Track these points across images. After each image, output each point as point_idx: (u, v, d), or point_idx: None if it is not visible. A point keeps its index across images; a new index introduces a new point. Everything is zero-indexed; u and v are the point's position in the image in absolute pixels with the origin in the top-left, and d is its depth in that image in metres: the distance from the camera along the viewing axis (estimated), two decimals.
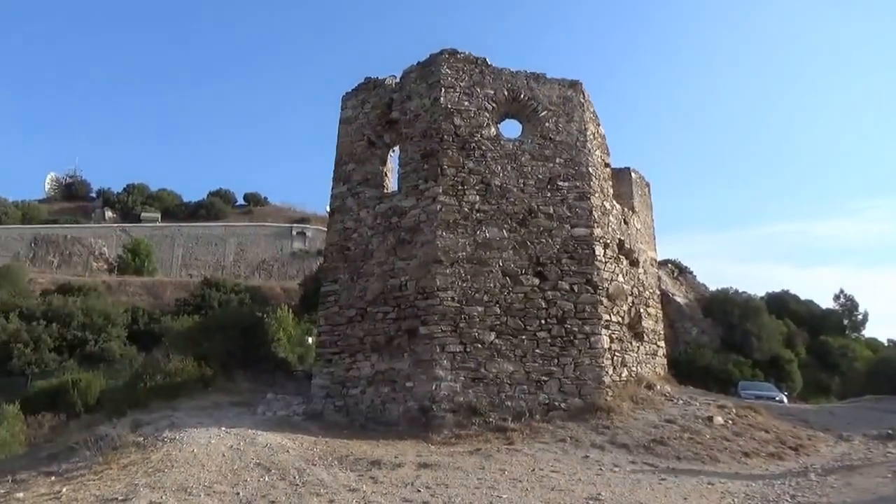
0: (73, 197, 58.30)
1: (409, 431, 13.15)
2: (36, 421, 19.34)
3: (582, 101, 17.12)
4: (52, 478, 10.78)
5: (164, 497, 8.72)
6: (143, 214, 51.87)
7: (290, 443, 11.87)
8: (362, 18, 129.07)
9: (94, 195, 58.52)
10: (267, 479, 9.74)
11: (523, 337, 14.39)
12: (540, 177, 15.96)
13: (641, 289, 17.55)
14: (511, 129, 17.20)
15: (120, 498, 8.72)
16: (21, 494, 9.92)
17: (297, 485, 9.40)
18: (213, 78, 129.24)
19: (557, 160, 16.24)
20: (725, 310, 30.66)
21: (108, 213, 52.98)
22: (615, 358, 15.13)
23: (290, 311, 23.64)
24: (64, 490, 9.66)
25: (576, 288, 15.09)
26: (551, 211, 15.69)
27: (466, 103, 16.22)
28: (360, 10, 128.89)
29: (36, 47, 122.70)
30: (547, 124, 16.55)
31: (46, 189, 59.06)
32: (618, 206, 17.58)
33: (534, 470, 10.35)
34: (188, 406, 15.06)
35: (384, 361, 14.66)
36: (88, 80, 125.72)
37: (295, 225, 48.80)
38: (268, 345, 20.68)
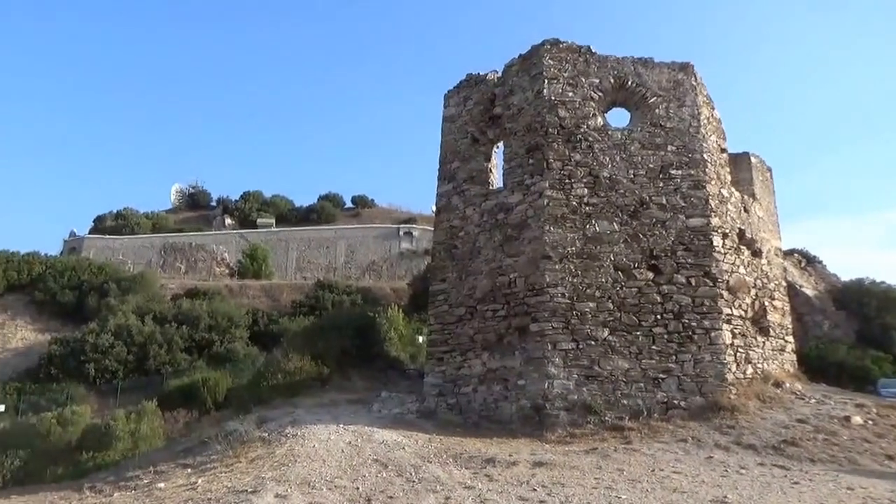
0: (196, 206, 61.81)
1: (522, 430, 13.09)
2: (172, 416, 20.67)
3: (694, 84, 16.45)
4: (189, 470, 11.52)
5: (289, 490, 9.11)
6: (259, 220, 54.25)
7: (405, 440, 12.10)
8: (461, 14, 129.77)
9: (214, 204, 61.80)
10: (384, 474, 9.97)
11: (638, 333, 13.99)
12: (651, 166, 15.46)
13: (765, 280, 16.65)
14: (619, 117, 16.79)
15: (249, 490, 9.18)
16: (162, 485, 10.66)
17: (414, 481, 9.56)
18: (318, 83, 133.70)
19: (669, 148, 15.69)
20: (861, 301, 28.60)
21: (228, 221, 55.83)
22: (738, 354, 14.42)
23: (401, 310, 24.05)
24: (199, 481, 10.29)
25: (693, 281, 14.52)
26: (664, 201, 15.17)
27: (571, 94, 15.96)
28: (458, 5, 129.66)
29: (153, 60, 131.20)
30: (657, 111, 16.02)
31: (172, 200, 62.95)
32: (736, 193, 16.77)
33: (654, 470, 10.05)
34: (307, 403, 15.68)
35: (495, 359, 14.65)
36: (204, 92, 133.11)
37: (402, 226, 49.69)
38: (380, 344, 21.17)
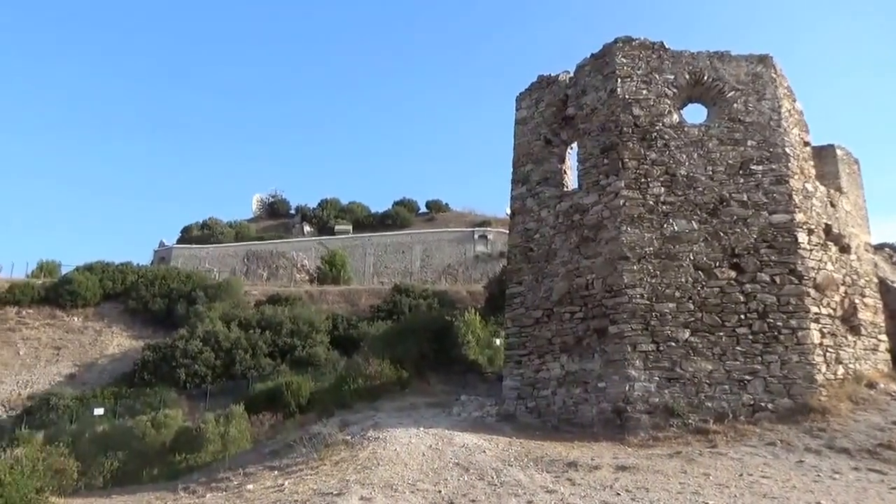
0: (276, 215, 63.68)
1: (603, 433, 12.97)
2: (258, 419, 21.41)
3: (773, 76, 15.92)
4: (275, 472, 11.96)
5: (372, 493, 9.34)
6: (336, 227, 55.45)
7: (485, 443, 12.19)
8: (531, 15, 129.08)
9: (293, 212, 63.54)
10: (466, 478, 10.08)
11: (721, 334, 13.64)
12: (730, 162, 15.06)
13: (855, 277, 15.93)
14: (695, 114, 16.43)
15: (334, 492, 9.46)
16: (251, 486, 11.10)
17: (496, 485, 9.63)
18: (390, 90, 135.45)
19: (749, 143, 15.24)
20: None
21: (307, 228, 57.33)
22: (828, 354, 13.85)
23: (477, 313, 24.12)
24: (286, 483, 10.67)
25: (778, 279, 14.05)
26: (745, 198, 14.74)
27: (645, 92, 15.72)
28: (527, 7, 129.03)
29: (235, 76, 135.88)
30: (735, 105, 15.59)
31: (253, 209, 65.09)
32: (822, 187, 16.12)
33: (741, 475, 9.80)
34: (388, 407, 15.97)
35: (574, 362, 14.57)
36: (280, 102, 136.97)
37: (476, 229, 49.84)
38: (458, 347, 21.32)
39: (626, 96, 15.62)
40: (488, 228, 49.74)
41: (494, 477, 10.06)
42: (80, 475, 15.02)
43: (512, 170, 17.94)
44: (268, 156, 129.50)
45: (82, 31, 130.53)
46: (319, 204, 61.08)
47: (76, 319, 35.66)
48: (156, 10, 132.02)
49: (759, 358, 13.39)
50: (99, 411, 24.74)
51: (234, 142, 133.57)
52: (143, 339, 33.50)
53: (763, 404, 12.97)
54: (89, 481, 16.85)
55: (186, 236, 56.48)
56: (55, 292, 36.22)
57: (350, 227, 55.50)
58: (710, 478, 9.65)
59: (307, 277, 47.11)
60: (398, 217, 57.42)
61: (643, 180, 14.92)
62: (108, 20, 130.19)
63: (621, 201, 14.74)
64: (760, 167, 14.97)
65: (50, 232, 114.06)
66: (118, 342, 34.47)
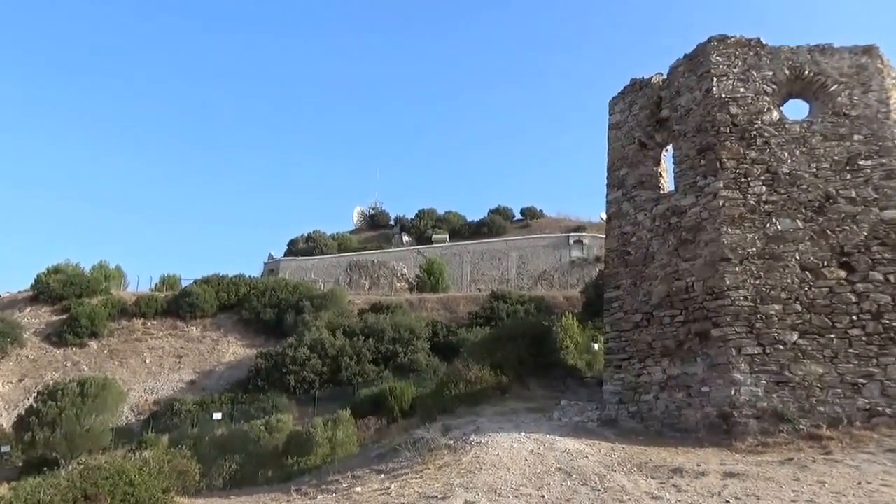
0: (376, 226, 65.10)
1: (708, 438, 12.56)
2: (364, 424, 21.98)
3: (879, 67, 15.05)
4: (382, 475, 12.26)
5: (476, 497, 9.43)
6: (434, 236, 56.10)
7: (587, 448, 12.06)
8: (622, 19, 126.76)
9: (392, 223, 64.81)
10: (568, 483, 10.01)
11: (832, 336, 12.96)
12: (836, 158, 14.33)
13: None
14: (796, 110, 15.72)
15: (439, 496, 9.62)
16: (359, 489, 11.44)
17: (599, 490, 9.52)
18: (485, 98, 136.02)
19: (856, 137, 14.44)
20: None
21: (405, 238, 58.32)
22: None
23: (575, 318, 23.90)
24: (392, 487, 10.93)
25: (892, 278, 13.23)
26: (853, 194, 13.98)
27: (742, 89, 15.20)
28: (617, 10, 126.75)
29: (337, 87, 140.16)
30: (839, 99, 14.82)
31: (355, 221, 66.81)
32: None
33: (860, 483, 9.26)
34: (489, 412, 16.05)
35: (675, 366, 14.22)
36: (374, 115, 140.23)
37: (571, 234, 49.25)
38: (557, 352, 21.20)
39: (723, 95, 15.17)
40: (583, 233, 49.06)
41: (598, 482, 9.94)
42: (202, 477, 15.84)
43: (607, 174, 17.73)
44: (368, 169, 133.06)
45: (172, 32, 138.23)
46: (417, 214, 62.01)
47: (195, 329, 37.67)
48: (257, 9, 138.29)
49: (875, 360, 12.65)
50: (217, 416, 26.00)
51: (336, 155, 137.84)
52: (256, 348, 34.99)
53: (881, 409, 12.22)
54: (210, 482, 17.74)
55: (293, 249, 58.59)
56: (176, 304, 38.37)
57: (447, 236, 56.06)
58: (826, 486, 9.18)
59: (407, 286, 47.91)
60: (494, 225, 57.46)
61: (743, 180, 14.44)
62: (203, 17, 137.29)
63: (720, 202, 14.30)
64: (869, 162, 14.18)
65: (171, 247, 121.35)
66: (233, 350, 36.14)
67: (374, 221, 65.89)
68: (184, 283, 43.90)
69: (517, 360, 19.50)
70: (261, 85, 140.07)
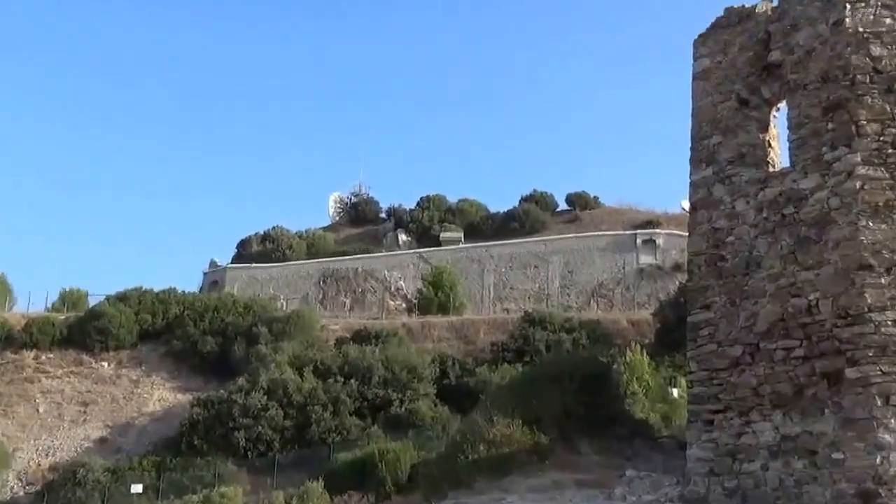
0: (361, 220, 64.90)
1: None
2: (342, 501, 21.68)
3: None
4: None
5: None
6: (442, 235, 55.81)
7: None
8: None
9: (384, 215, 64.59)
10: None
11: None
12: None
13: None
14: None
15: None
16: None
17: None
18: (507, 51, 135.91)
19: None
20: None
21: (402, 237, 58.11)
22: None
23: (644, 352, 23.63)
24: None
25: None
26: None
27: (889, 20, 14.89)
28: None
29: (299, 44, 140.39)
30: None
31: (331, 213, 66.61)
32: None
33: None
34: (522, 486, 15.80)
35: (793, 421, 13.90)
36: (361, 79, 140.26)
37: (639, 231, 48.97)
38: (618, 401, 20.95)
39: (861, 29, 14.84)
40: (656, 230, 48.80)
41: None
42: None
43: (690, 145, 17.45)
44: (349, 143, 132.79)
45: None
46: (419, 204, 61.78)
47: (107, 366, 37.56)
48: None
49: None
50: (137, 488, 25.81)
51: (306, 127, 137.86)
52: (192, 392, 34.82)
53: None
54: None
55: (244, 253, 58.56)
56: (81, 330, 38.26)
57: (461, 235, 55.83)
58: None
59: (404, 305, 47.78)
60: (528, 218, 57.19)
61: (891, 152, 14.11)
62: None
63: (857, 183, 13.97)
64: None
65: (75, 253, 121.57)
66: (160, 396, 36.00)
67: (358, 214, 65.80)
68: (92, 302, 43.92)
69: (562, 411, 19.27)
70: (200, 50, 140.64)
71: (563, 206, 60.81)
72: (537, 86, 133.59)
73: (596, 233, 51.13)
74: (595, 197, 60.49)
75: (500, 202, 70.55)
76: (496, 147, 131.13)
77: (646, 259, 47.00)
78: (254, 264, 53.96)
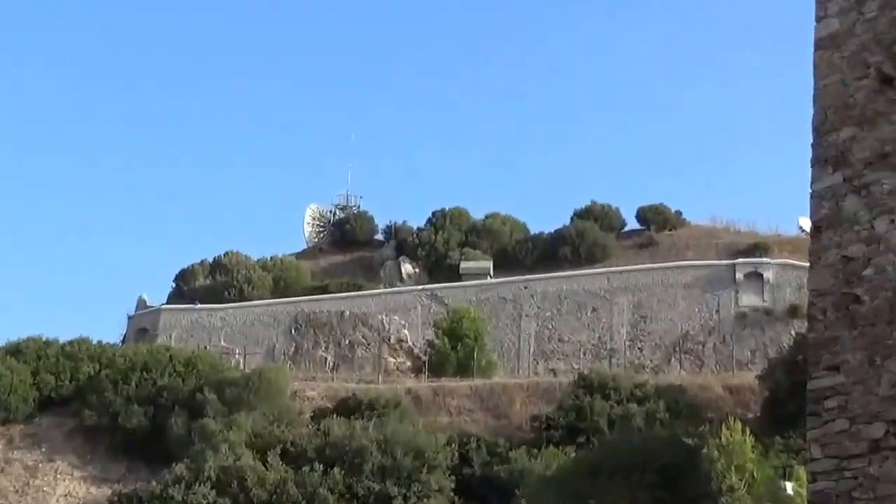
0: (349, 243, 64.48)
1: None
2: None
3: None
4: None
5: None
6: (463, 265, 55.61)
7: None
8: None
9: (380, 236, 64.45)
10: None
11: None
12: None
13: None
14: None
15: None
16: None
17: None
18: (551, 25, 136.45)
19: None
20: None
21: (407, 268, 57.97)
22: None
23: (747, 430, 23.54)
24: None
25: None
26: None
27: None
28: None
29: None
30: None
31: (307, 233, 66.26)
32: None
33: None
34: None
35: None
36: (356, 66, 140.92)
37: (740, 261, 48.71)
38: (710, 499, 20.81)
39: None
40: (764, 259, 48.60)
41: None
42: None
43: (812, 141, 17.36)
44: (330, 139, 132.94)
45: None
46: (430, 221, 61.82)
47: None
48: None
49: None
50: None
51: (265, 114, 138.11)
52: (110, 484, 34.75)
53: None
54: None
55: (185, 288, 58.57)
56: None
57: (489, 265, 55.74)
58: None
59: (409, 363, 47.70)
60: (583, 242, 57.05)
61: None
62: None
63: None
64: None
65: None
66: (66, 488, 35.94)
67: (345, 235, 65.71)
68: None
69: None
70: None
71: (632, 224, 60.65)
72: (593, 76, 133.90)
73: (679, 263, 50.95)
74: (677, 213, 60.16)
75: (545, 219, 70.22)
76: (538, 147, 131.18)
77: (749, 299, 46.79)
78: (199, 305, 53.86)
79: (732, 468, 21.71)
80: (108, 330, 57.23)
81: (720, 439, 22.49)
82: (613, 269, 51.93)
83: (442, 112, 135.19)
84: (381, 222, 65.16)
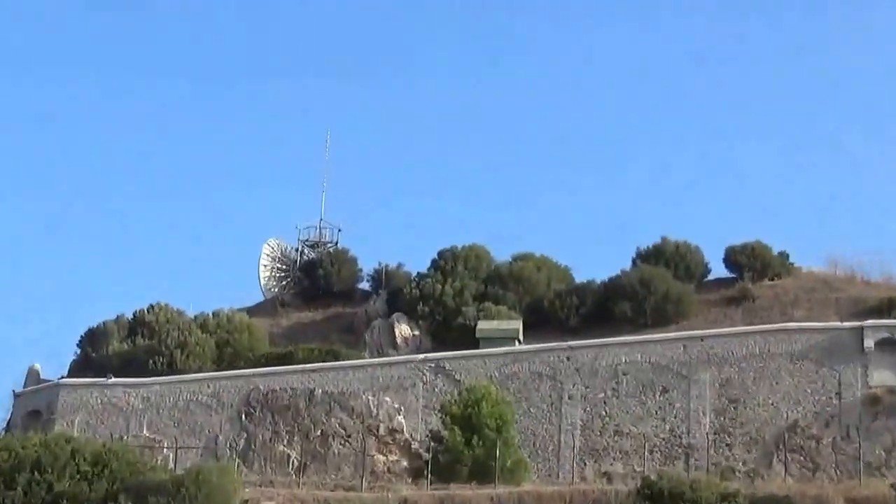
0: (321, 292, 64.72)
1: None
2: None
3: None
4: None
5: None
6: (480, 325, 55.70)
7: None
8: None
9: (366, 286, 64.64)
10: None
11: None
12: None
13: None
14: None
15: None
16: None
17: None
18: None
19: None
20: None
21: (403, 328, 58.01)
22: None
23: None
24: None
25: None
26: None
27: None
28: None
29: None
30: None
31: (263, 279, 66.48)
32: None
33: None
34: None
35: None
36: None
37: (868, 323, 48.59)
38: None
39: None
40: None
41: None
42: None
43: None
44: (298, 151, 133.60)
45: None
46: (435, 265, 61.95)
47: None
48: None
49: None
50: None
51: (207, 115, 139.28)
52: None
53: None
54: None
55: (94, 354, 58.49)
56: None
57: (518, 327, 55.78)
58: None
59: (406, 463, 47.55)
60: (650, 294, 57.11)
61: None
62: None
63: None
64: None
65: None
66: None
67: (316, 282, 65.73)
68: None
69: None
70: None
71: (718, 271, 60.79)
72: (661, 72, 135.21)
73: (784, 325, 50.92)
74: (782, 255, 60.26)
75: (596, 263, 70.13)
76: (583, 164, 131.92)
77: (882, 377, 46.62)
78: (113, 378, 53.76)
79: None
80: None
81: None
82: (692, 332, 51.86)
83: (452, 111, 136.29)
84: (366, 265, 65.53)
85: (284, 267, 66.82)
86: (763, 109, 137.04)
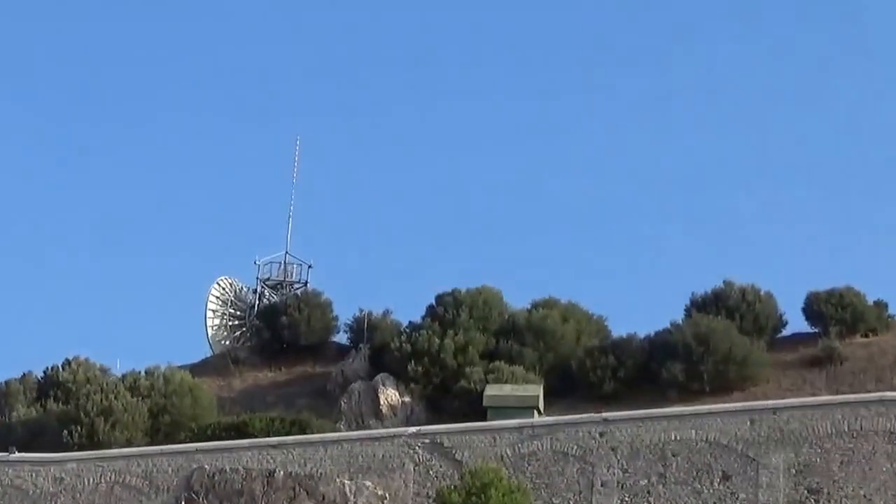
0: (286, 346, 64.97)
1: None
2: None
3: None
4: None
5: None
6: (489, 391, 55.84)
7: None
8: None
9: (342, 337, 64.87)
10: None
11: None
12: None
13: None
14: None
15: None
16: None
17: None
18: None
19: None
20: None
21: (390, 393, 58.18)
22: None
23: None
24: None
25: None
26: None
27: None
28: None
29: None
30: None
31: (210, 329, 66.76)
32: None
33: None
34: None
35: None
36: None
37: None
38: None
39: None
40: None
41: None
42: None
43: None
44: (260, 161, 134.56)
45: None
46: (431, 314, 62.09)
47: None
48: None
49: None
50: None
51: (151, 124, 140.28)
52: None
53: None
54: None
55: (3, 421, 58.54)
56: None
57: (539, 394, 55.88)
58: None
59: None
60: (707, 353, 57.21)
61: None
62: None
63: None
64: None
65: None
66: None
67: (279, 332, 65.86)
68: None
69: None
70: None
71: (796, 324, 60.91)
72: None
73: (881, 395, 50.93)
74: (878, 305, 60.28)
75: (638, 313, 70.24)
76: (620, 188, 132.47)
77: None
78: (16, 453, 53.86)
79: None
80: None
81: None
82: (762, 403, 51.92)
83: (453, 116, 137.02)
84: (343, 313, 65.62)
85: (239, 313, 67.01)
86: None
